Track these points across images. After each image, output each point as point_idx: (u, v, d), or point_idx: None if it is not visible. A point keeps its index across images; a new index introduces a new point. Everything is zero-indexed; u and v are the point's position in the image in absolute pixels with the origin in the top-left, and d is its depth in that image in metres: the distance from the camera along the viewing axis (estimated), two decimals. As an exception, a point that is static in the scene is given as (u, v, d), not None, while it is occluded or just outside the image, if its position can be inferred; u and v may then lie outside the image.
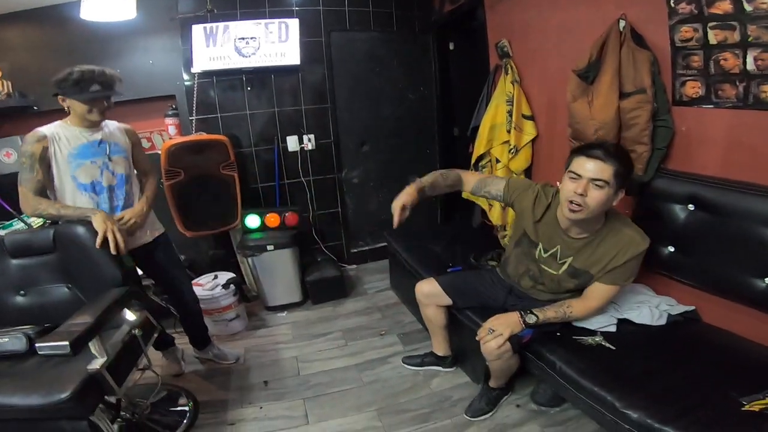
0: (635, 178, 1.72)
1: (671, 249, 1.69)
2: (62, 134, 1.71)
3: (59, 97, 1.68)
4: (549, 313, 1.56)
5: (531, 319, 1.54)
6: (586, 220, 1.43)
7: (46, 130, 1.69)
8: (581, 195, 1.34)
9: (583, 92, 1.78)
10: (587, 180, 1.34)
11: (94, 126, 1.76)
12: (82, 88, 1.64)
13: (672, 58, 1.55)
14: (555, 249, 1.58)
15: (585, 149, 1.40)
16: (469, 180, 1.77)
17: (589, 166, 1.34)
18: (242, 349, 2.43)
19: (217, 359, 2.29)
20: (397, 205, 1.58)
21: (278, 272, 2.78)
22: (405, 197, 1.59)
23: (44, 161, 1.67)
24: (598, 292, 1.55)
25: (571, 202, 1.38)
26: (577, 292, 1.63)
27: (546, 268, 1.64)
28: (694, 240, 1.61)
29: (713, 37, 1.41)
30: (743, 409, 1.18)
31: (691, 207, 1.62)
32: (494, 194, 1.72)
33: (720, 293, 1.59)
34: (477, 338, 1.59)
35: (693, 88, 1.53)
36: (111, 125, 1.85)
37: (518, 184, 1.69)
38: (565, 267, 1.58)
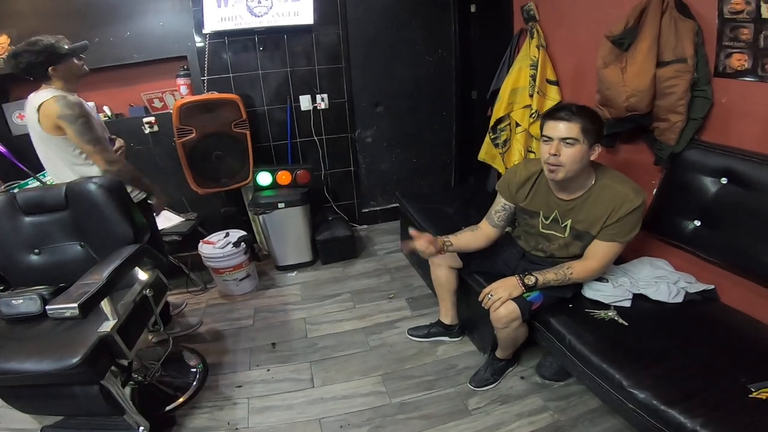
0: (666, 147, 1.67)
1: (697, 223, 1.63)
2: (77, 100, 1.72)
3: (53, 67, 1.66)
4: (549, 275, 1.54)
5: (530, 280, 1.53)
6: (570, 180, 1.47)
7: (71, 97, 1.69)
8: (555, 155, 1.41)
9: (615, 58, 1.73)
10: (558, 140, 1.40)
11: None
12: (75, 50, 1.72)
13: (718, 29, 1.51)
14: (554, 213, 1.60)
15: (551, 113, 1.46)
16: (482, 227, 1.76)
17: (557, 127, 1.41)
18: (252, 309, 2.47)
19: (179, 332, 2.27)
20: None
21: (289, 230, 2.78)
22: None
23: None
24: (597, 250, 1.53)
25: (548, 163, 1.44)
26: None
27: (553, 233, 1.64)
28: (723, 215, 1.55)
29: (766, 11, 1.36)
30: (751, 396, 1.15)
31: (724, 180, 1.55)
32: (502, 207, 1.72)
33: (743, 273, 1.54)
34: (483, 306, 1.58)
35: (739, 61, 1.48)
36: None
37: (504, 179, 1.72)
38: (568, 230, 1.59)
